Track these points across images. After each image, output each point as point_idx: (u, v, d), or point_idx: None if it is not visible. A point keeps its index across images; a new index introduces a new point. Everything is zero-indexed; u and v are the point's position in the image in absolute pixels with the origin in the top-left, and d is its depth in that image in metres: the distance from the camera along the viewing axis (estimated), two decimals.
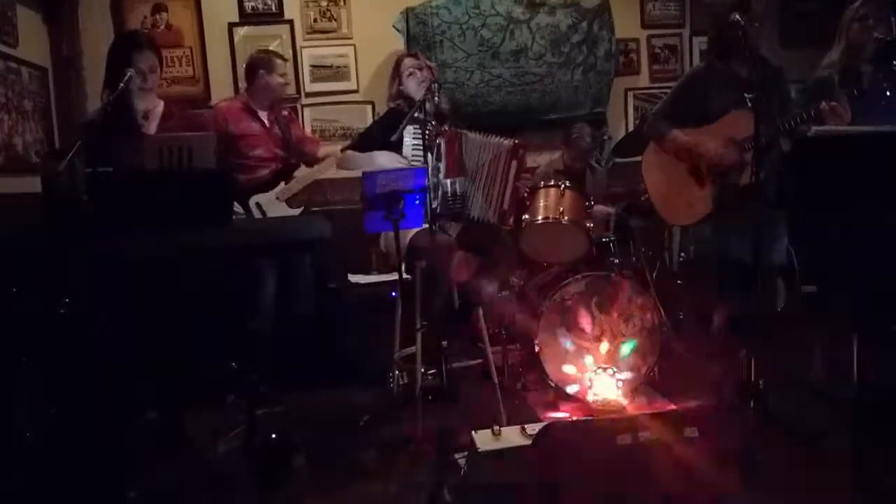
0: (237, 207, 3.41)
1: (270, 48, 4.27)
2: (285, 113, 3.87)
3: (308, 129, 4.70)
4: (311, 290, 3.63)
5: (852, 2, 3.06)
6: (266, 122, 3.66)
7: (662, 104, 3.38)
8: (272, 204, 3.54)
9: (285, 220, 3.26)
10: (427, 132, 3.05)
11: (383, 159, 3.12)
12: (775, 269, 3.01)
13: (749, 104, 2.80)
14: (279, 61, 3.72)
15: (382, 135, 3.18)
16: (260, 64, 3.64)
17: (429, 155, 3.03)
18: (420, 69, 3.39)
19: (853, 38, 3.01)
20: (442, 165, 3.17)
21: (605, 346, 3.31)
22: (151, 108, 3.10)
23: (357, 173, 2.82)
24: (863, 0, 3.00)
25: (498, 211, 3.18)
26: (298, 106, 4.72)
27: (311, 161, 3.73)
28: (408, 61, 3.43)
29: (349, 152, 3.42)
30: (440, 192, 3.12)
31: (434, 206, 3.04)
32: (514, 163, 3.16)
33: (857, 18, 2.99)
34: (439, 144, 3.15)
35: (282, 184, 3.58)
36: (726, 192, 3.05)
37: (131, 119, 3.01)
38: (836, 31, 3.11)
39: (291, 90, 4.66)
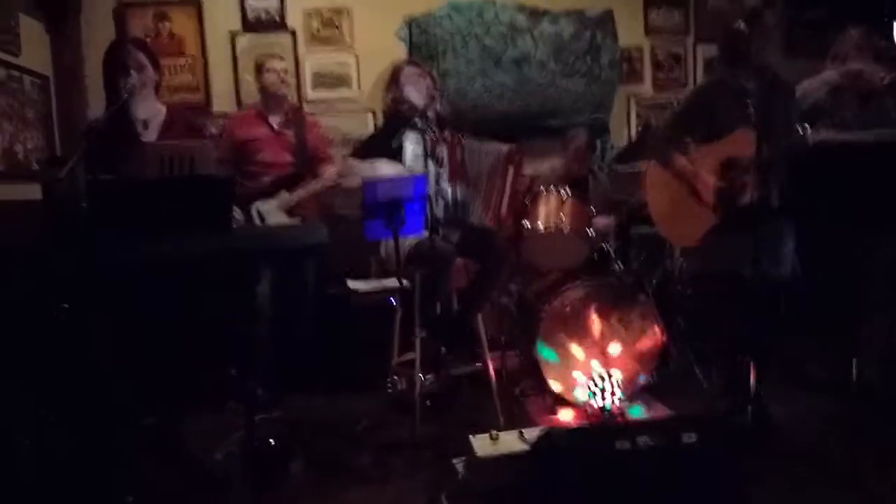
0: (238, 214, 3.40)
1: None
2: (308, 119, 3.83)
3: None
4: (309, 296, 3.62)
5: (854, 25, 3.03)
6: (275, 126, 3.65)
7: (666, 123, 3.27)
8: (273, 212, 3.52)
9: (284, 227, 3.26)
10: (429, 139, 3.07)
11: (385, 169, 3.13)
12: (781, 281, 2.89)
13: (752, 118, 2.70)
14: (270, 60, 3.72)
15: (384, 144, 3.19)
16: (256, 68, 3.71)
17: (430, 162, 3.05)
18: (423, 77, 3.43)
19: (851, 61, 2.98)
20: (444, 171, 3.18)
21: (603, 352, 3.31)
22: (152, 116, 3.10)
23: (357, 180, 2.84)
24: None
25: (496, 216, 3.20)
26: None
27: (315, 175, 3.66)
28: (408, 69, 3.47)
29: (350, 160, 3.43)
30: (442, 200, 3.14)
31: (438, 212, 3.07)
32: (511, 168, 3.20)
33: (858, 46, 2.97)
34: (441, 151, 3.17)
35: (283, 192, 3.56)
36: (728, 212, 2.89)
37: (131, 127, 3.02)
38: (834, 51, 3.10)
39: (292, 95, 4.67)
